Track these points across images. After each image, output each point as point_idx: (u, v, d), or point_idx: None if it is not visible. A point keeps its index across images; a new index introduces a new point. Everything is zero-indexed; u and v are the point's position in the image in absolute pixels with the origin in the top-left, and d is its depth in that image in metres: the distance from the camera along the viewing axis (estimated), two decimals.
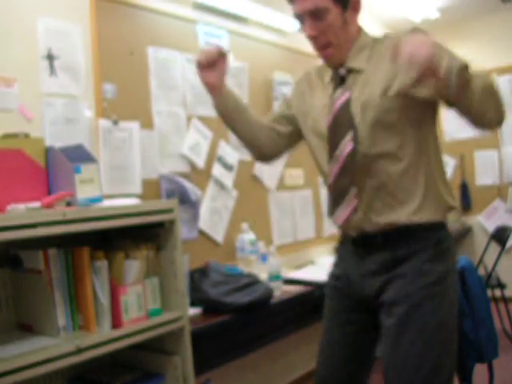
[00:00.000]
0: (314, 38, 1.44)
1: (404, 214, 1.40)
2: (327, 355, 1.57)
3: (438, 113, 1.49)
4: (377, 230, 1.43)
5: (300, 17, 1.44)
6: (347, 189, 1.44)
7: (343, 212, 1.45)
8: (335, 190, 1.47)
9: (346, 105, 1.43)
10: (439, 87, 1.20)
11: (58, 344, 1.38)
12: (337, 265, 1.60)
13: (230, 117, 1.64)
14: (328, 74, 1.54)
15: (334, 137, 1.45)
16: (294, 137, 1.67)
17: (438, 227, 1.44)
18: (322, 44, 1.44)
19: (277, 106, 1.59)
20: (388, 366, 1.41)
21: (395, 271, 1.41)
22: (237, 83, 2.87)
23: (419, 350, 1.35)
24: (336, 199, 1.48)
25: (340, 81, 1.48)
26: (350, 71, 1.46)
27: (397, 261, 1.41)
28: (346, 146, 1.41)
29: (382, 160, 1.41)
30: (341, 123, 1.44)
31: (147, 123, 2.37)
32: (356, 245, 1.49)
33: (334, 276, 1.60)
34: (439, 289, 1.39)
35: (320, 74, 1.58)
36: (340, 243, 1.60)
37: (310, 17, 1.41)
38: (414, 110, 1.40)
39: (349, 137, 1.41)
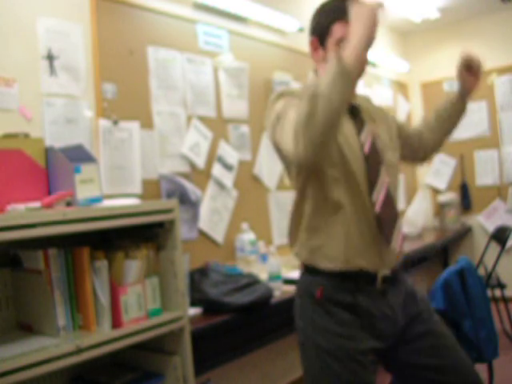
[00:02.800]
0: None
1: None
2: None
3: None
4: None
5: (342, 41, 1.41)
6: (395, 216, 1.48)
7: (398, 239, 1.47)
8: (385, 218, 1.45)
9: (375, 140, 1.50)
10: None
11: (58, 344, 1.38)
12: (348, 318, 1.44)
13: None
14: None
15: (372, 169, 1.47)
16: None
17: None
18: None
19: None
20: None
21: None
22: (237, 83, 2.88)
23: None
24: (389, 225, 1.45)
25: (354, 115, 1.51)
26: (358, 107, 1.52)
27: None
28: (385, 177, 1.47)
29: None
30: (375, 157, 1.48)
31: (147, 123, 2.37)
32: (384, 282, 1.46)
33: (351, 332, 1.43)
34: None
35: None
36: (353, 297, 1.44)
37: None
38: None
39: (383, 169, 1.47)
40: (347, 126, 1.47)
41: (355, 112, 1.52)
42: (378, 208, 1.42)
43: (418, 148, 1.75)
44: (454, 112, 1.70)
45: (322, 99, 1.18)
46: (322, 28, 1.47)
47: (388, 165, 1.51)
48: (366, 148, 1.46)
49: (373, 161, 1.46)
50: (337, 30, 1.44)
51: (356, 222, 1.43)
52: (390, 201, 1.47)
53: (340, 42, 1.42)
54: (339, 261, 1.42)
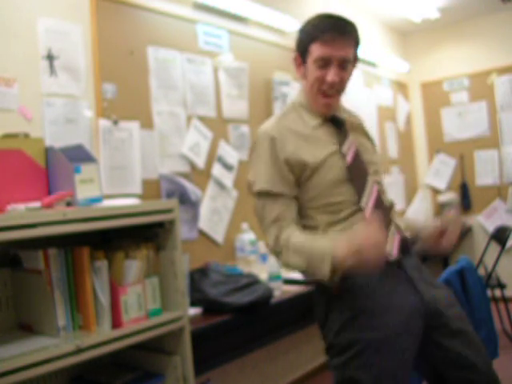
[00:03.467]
0: (332, 85, 1.47)
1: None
2: None
3: None
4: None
5: (326, 61, 1.46)
6: (388, 223, 1.47)
7: (394, 243, 1.45)
8: None
9: (359, 150, 1.53)
10: None
11: (57, 344, 1.38)
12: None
13: None
14: (312, 121, 1.54)
15: (357, 178, 1.49)
16: None
17: None
18: (335, 91, 1.50)
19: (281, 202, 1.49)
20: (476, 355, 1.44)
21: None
22: (237, 83, 2.88)
23: None
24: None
25: (338, 129, 1.54)
26: (342, 119, 1.57)
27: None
28: (373, 184, 1.50)
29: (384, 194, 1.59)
30: (359, 168, 1.50)
31: (147, 123, 2.37)
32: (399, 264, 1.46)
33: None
34: None
35: (295, 124, 1.53)
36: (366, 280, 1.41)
37: (339, 64, 1.46)
38: None
39: (370, 177, 1.51)
40: (327, 140, 1.51)
41: (339, 124, 1.55)
42: (367, 215, 1.44)
43: None
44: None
45: (297, 266, 1.42)
46: (303, 46, 1.51)
47: (373, 173, 1.54)
48: (349, 158, 1.49)
49: (357, 170, 1.49)
50: (314, 49, 1.46)
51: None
52: (380, 207, 1.48)
53: (317, 61, 1.46)
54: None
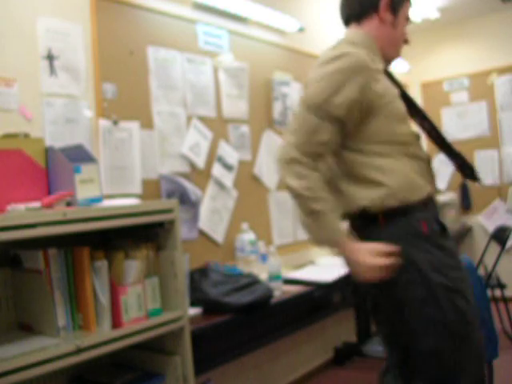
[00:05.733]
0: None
1: None
2: None
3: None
4: None
5: (407, 19, 1.69)
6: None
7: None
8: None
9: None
10: None
11: (58, 344, 1.38)
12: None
13: None
14: (380, 64, 1.58)
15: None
16: None
17: None
18: None
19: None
20: None
21: None
22: (237, 83, 2.88)
23: None
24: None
25: (392, 79, 1.63)
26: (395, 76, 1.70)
27: None
28: None
29: None
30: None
31: (147, 123, 2.37)
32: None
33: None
34: None
35: (370, 61, 1.50)
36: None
37: None
38: None
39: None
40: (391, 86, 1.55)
41: (394, 78, 1.63)
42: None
43: None
44: None
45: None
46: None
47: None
48: (406, 105, 1.57)
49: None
50: (407, 7, 1.67)
51: (418, 157, 1.55)
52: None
53: (408, 19, 1.69)
54: (424, 188, 1.51)
